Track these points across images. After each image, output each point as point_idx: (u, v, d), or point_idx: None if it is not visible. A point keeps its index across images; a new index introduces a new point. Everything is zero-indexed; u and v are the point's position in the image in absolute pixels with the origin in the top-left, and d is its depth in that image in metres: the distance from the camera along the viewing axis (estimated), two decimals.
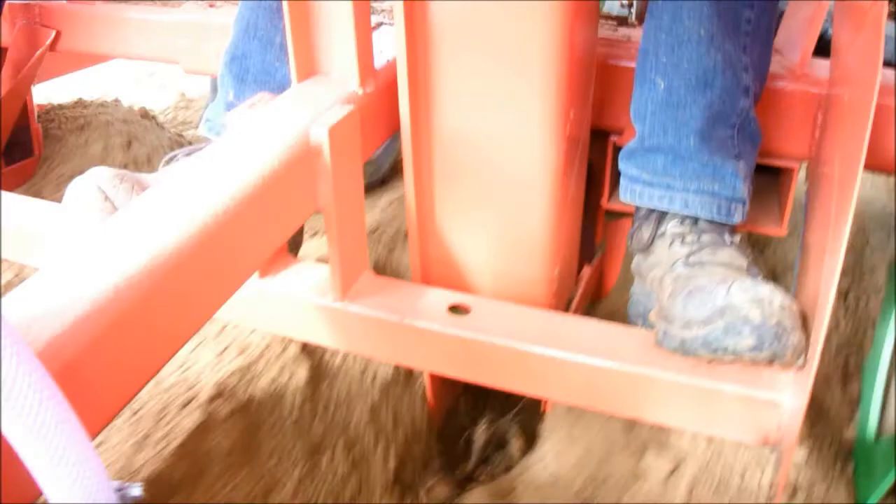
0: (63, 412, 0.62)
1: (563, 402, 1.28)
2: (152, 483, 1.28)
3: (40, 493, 0.66)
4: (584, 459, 1.45)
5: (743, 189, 1.31)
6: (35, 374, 0.60)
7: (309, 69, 1.28)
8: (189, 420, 1.39)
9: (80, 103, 2.38)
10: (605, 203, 1.58)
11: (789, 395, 1.10)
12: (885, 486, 1.29)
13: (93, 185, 1.25)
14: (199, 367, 1.52)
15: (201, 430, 1.38)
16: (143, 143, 2.19)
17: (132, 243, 0.89)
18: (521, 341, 1.19)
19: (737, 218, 1.31)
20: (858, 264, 1.85)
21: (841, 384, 1.64)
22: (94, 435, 0.79)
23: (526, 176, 1.22)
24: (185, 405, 1.43)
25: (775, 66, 1.41)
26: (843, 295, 1.80)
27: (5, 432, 0.60)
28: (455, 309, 1.27)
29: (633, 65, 1.39)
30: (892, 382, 1.42)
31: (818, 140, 1.40)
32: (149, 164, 2.12)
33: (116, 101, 2.52)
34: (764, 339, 1.05)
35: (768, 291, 1.07)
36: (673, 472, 1.38)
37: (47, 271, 0.84)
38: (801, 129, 1.43)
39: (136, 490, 0.72)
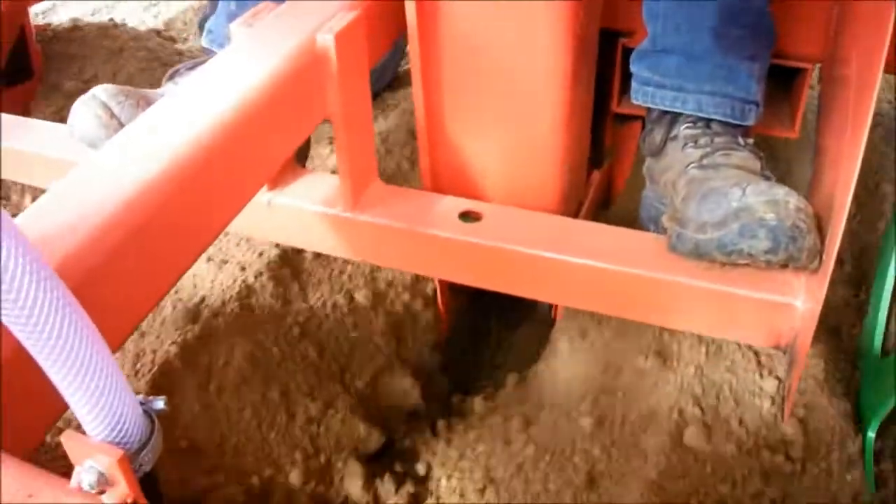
0: (85, 328, 0.62)
1: (577, 307, 1.28)
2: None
3: (66, 408, 0.66)
4: (596, 365, 1.46)
5: (757, 90, 1.29)
6: (56, 292, 0.60)
7: None
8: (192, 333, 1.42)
9: (77, 23, 2.34)
10: (615, 107, 1.56)
11: (804, 298, 1.10)
12: (885, 410, 1.30)
13: (98, 102, 1.24)
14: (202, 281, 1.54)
15: (206, 342, 1.41)
16: (144, 60, 2.16)
17: (142, 158, 0.88)
18: (534, 247, 1.19)
19: (751, 120, 1.30)
20: (867, 173, 1.83)
21: (849, 291, 1.64)
22: (115, 347, 0.79)
23: (535, 78, 1.20)
24: (191, 319, 1.45)
25: None
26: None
27: (31, 350, 0.60)
28: (466, 216, 1.26)
29: None
30: None
31: (833, 41, 1.37)
32: (151, 82, 2.09)
33: (112, 21, 2.48)
34: (780, 241, 1.05)
35: (784, 193, 1.06)
36: (682, 377, 1.39)
37: (58, 189, 0.84)
38: (816, 30, 1.40)
39: (160, 403, 0.73)
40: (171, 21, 2.73)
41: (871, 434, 1.31)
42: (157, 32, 2.55)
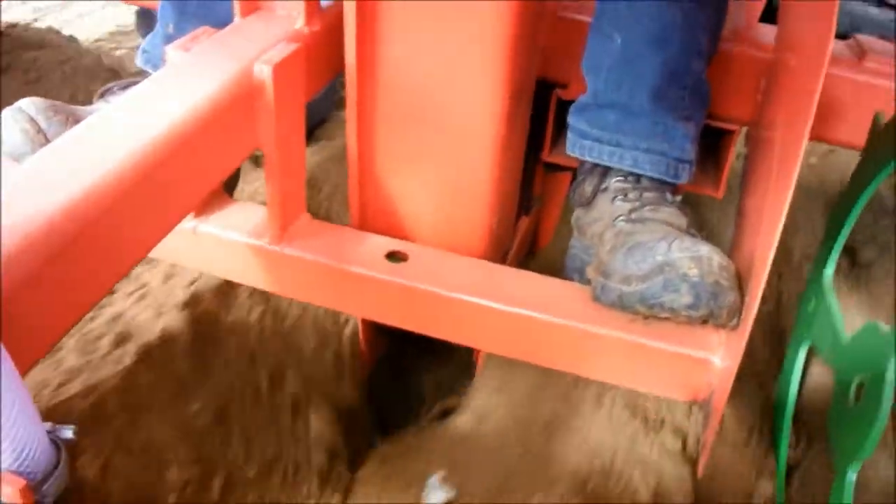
0: None
1: (499, 353, 1.28)
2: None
3: None
4: (513, 414, 1.45)
5: (691, 150, 1.32)
6: None
7: (253, 4, 1.25)
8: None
9: (12, 28, 2.28)
10: (546, 156, 1.58)
11: (721, 355, 1.11)
12: None
13: (25, 115, 1.21)
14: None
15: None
16: (78, 74, 2.12)
17: (66, 176, 0.86)
18: (458, 291, 1.19)
19: (683, 178, 1.32)
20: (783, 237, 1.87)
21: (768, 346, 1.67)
22: (26, 370, 0.77)
23: (470, 124, 1.21)
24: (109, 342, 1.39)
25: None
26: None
27: None
28: (392, 256, 1.26)
29: (583, 18, 1.39)
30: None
31: (760, 104, 1.41)
32: (82, 97, 2.05)
33: (55, 29, 2.43)
34: (701, 297, 1.06)
35: (708, 251, 1.08)
36: (602, 427, 1.39)
37: None
38: (745, 93, 1.44)
39: (68, 432, 0.71)
40: (111, 34, 2.70)
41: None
42: (92, 46, 2.52)
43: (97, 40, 2.69)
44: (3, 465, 0.65)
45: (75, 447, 0.75)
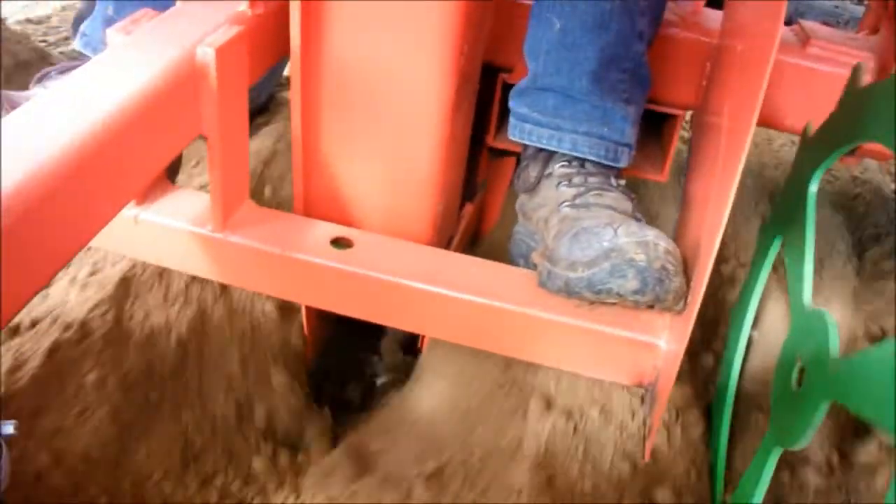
0: None
1: (444, 338, 1.28)
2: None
3: None
4: (458, 399, 1.45)
5: (631, 133, 1.32)
6: None
7: None
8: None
9: None
10: (491, 141, 1.58)
11: (667, 338, 1.12)
12: None
13: None
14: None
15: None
16: (12, 58, 2.07)
17: (2, 163, 0.84)
18: (404, 277, 1.19)
19: (623, 161, 1.32)
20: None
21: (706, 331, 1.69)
22: None
23: (416, 110, 1.20)
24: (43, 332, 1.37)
25: (668, 13, 1.42)
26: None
27: None
28: (337, 242, 1.25)
29: (527, 2, 1.38)
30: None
31: (705, 89, 1.42)
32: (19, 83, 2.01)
33: None
34: (647, 282, 1.07)
35: (654, 235, 1.09)
36: (549, 412, 1.39)
37: None
38: (690, 78, 1.45)
39: (9, 428, 0.69)
40: (45, 18, 2.64)
41: None
42: (27, 30, 2.47)
43: (35, 25, 2.64)
44: None
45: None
